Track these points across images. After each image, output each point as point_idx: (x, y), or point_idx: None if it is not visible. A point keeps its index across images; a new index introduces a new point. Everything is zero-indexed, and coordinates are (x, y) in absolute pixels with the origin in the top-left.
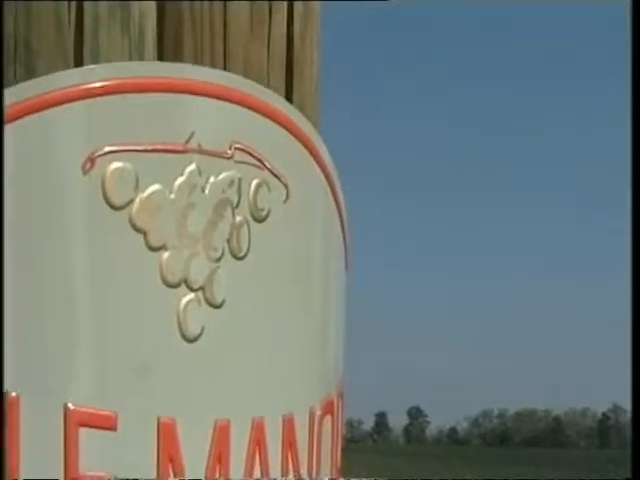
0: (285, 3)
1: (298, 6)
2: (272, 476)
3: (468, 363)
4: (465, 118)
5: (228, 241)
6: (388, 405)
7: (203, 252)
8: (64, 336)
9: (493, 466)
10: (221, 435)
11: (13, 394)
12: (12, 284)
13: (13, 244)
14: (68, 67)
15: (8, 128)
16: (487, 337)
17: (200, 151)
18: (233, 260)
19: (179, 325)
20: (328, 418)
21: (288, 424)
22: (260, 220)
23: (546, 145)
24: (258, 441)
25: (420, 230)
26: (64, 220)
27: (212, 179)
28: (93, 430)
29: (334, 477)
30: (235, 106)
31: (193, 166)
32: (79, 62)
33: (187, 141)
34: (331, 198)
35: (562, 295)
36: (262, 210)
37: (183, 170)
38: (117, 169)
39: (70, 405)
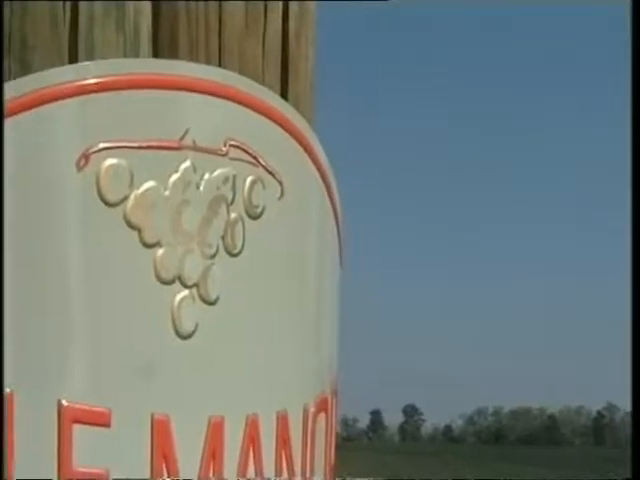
0: (280, 3)
1: (293, 6)
2: (266, 473)
3: (464, 362)
4: (465, 118)
5: (223, 238)
6: (383, 403)
7: (197, 249)
8: (58, 332)
9: (488, 464)
10: (215, 432)
11: (7, 390)
12: (6, 280)
13: (7, 239)
14: (63, 64)
15: (5, 123)
16: (484, 336)
17: (195, 148)
18: (227, 257)
19: (173, 322)
20: (322, 415)
21: (282, 421)
22: (255, 217)
23: (546, 145)
24: (252, 438)
25: (420, 230)
26: (58, 216)
27: (207, 176)
28: (87, 426)
29: (328, 475)
30: (230, 103)
31: (188, 163)
32: (74, 59)
33: (182, 138)
34: (326, 195)
35: (561, 295)
36: (257, 207)
37: (178, 167)
38: (112, 166)
39: (64, 401)
